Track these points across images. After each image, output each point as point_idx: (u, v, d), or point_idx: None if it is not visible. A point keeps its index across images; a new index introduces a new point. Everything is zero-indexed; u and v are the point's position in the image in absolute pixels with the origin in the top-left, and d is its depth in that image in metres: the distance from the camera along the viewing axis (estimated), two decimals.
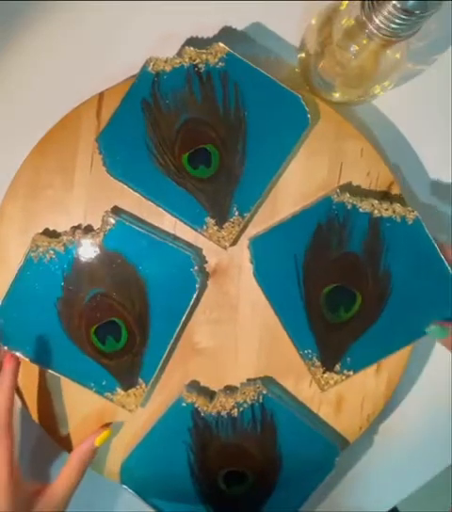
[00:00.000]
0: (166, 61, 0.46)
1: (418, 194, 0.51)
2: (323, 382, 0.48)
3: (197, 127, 0.46)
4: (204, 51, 0.45)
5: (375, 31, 0.36)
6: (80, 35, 0.50)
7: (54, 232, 0.48)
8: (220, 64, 0.45)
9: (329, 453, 0.48)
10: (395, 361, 0.48)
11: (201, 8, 0.48)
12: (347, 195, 0.46)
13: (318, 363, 0.48)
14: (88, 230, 0.47)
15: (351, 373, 0.48)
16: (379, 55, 0.40)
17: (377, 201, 0.46)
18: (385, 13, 0.35)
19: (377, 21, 0.35)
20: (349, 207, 0.46)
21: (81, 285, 0.47)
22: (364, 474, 0.53)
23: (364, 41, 0.38)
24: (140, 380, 0.48)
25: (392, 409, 0.53)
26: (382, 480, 0.54)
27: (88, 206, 0.48)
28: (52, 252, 0.46)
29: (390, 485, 0.54)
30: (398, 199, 0.48)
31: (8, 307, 0.47)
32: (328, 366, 0.48)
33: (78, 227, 0.48)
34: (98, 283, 0.47)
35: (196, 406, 0.48)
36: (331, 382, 0.48)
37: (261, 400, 0.48)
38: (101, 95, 0.47)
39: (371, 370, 0.49)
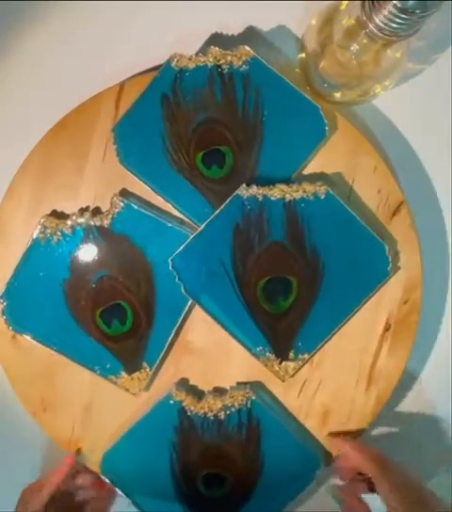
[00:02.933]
0: (190, 59, 0.46)
1: (418, 193, 0.50)
2: (282, 373, 0.48)
3: (214, 127, 0.47)
4: (229, 52, 0.46)
5: (375, 31, 0.37)
6: (101, 25, 0.50)
7: (62, 213, 0.48)
8: (244, 67, 0.46)
9: (311, 465, 0.48)
10: (385, 379, 0.48)
11: (195, 8, 0.49)
12: (255, 187, 0.45)
13: (272, 357, 0.47)
14: (97, 212, 0.48)
15: (306, 356, 0.48)
16: (380, 54, 0.40)
17: (286, 186, 0.45)
18: (385, 13, 0.35)
19: (377, 20, 0.36)
20: (261, 199, 0.46)
21: (88, 267, 0.47)
22: None
23: (365, 41, 0.39)
24: (145, 364, 0.48)
25: (392, 409, 0.52)
26: None
27: (98, 193, 0.48)
28: (59, 234, 0.47)
29: None
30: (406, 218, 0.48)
31: (15, 288, 0.47)
32: (282, 356, 0.47)
33: (86, 209, 0.48)
34: (105, 266, 0.47)
35: (183, 404, 0.48)
36: (290, 371, 0.48)
37: (249, 405, 0.48)
38: (121, 85, 0.48)
39: (361, 386, 0.49)
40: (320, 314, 0.47)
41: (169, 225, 0.47)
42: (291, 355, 0.47)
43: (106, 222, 0.47)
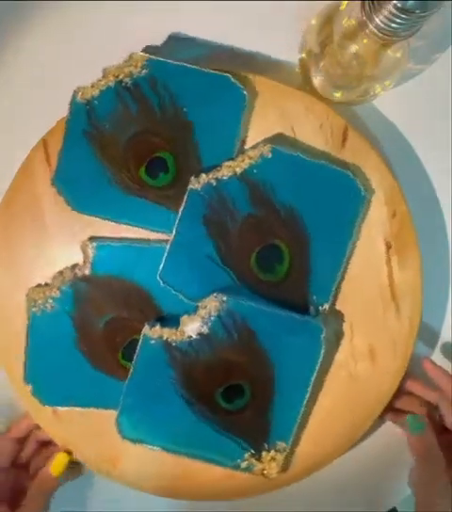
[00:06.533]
0: (92, 86, 0.45)
1: (418, 193, 0.50)
2: None
3: (144, 139, 0.46)
4: (124, 64, 0.45)
5: (375, 31, 0.36)
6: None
7: (44, 284, 0.48)
8: (144, 72, 0.45)
9: (314, 332, 0.46)
10: (409, 296, 0.48)
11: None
12: (204, 175, 0.45)
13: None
14: (75, 266, 0.48)
15: (325, 305, 0.47)
16: (380, 54, 0.40)
17: (231, 161, 0.45)
18: (385, 13, 0.35)
19: (377, 20, 0.36)
20: (215, 183, 0.45)
21: (90, 318, 0.47)
22: (364, 474, 0.53)
23: (365, 41, 0.38)
24: None
25: None
26: (382, 480, 0.53)
27: (68, 248, 0.48)
28: (50, 301, 0.47)
29: (390, 485, 0.53)
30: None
31: (32, 369, 0.48)
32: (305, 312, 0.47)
33: (63, 271, 0.48)
34: (105, 310, 0.47)
35: (164, 338, 0.46)
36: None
37: (226, 307, 0.46)
38: (44, 141, 0.47)
39: (390, 313, 0.48)
40: (321, 263, 0.46)
41: (145, 246, 0.47)
42: (312, 310, 0.47)
43: (87, 271, 0.47)
